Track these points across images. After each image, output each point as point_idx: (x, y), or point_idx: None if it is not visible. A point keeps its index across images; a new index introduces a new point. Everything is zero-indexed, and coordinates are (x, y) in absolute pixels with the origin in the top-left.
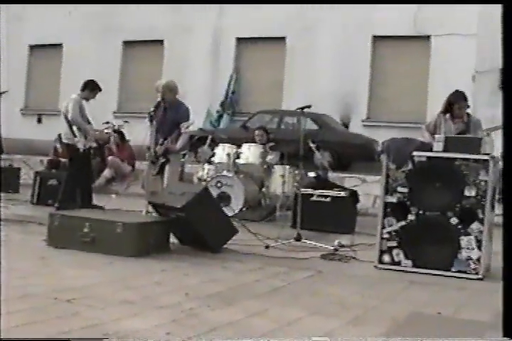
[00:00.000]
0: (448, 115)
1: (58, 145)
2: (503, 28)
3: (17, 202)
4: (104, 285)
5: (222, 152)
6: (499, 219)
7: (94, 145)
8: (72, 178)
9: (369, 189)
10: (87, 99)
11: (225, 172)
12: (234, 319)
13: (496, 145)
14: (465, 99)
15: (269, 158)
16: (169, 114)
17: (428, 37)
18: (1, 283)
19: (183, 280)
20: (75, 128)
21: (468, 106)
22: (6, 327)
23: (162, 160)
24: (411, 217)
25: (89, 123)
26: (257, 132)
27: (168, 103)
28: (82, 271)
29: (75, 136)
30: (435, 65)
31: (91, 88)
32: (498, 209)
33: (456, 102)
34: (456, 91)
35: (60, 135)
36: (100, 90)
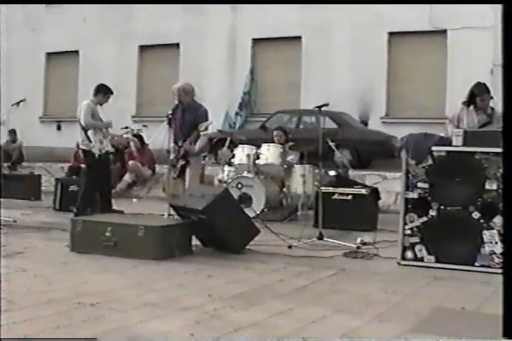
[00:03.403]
0: (471, 107)
1: (79, 151)
2: (503, 27)
3: (39, 209)
4: (128, 289)
5: (241, 153)
6: None
7: (111, 149)
8: (89, 184)
9: (390, 186)
10: (101, 104)
11: (245, 174)
12: (258, 319)
13: None
14: (488, 91)
15: (289, 157)
16: (187, 116)
17: (444, 31)
18: (27, 290)
19: (206, 282)
20: (89, 133)
21: (491, 98)
22: (33, 333)
23: (182, 162)
24: (432, 213)
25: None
26: (275, 132)
27: (186, 105)
28: (105, 275)
29: (90, 141)
30: (452, 60)
31: (103, 92)
32: None
33: (479, 94)
34: (479, 83)
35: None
36: (112, 93)
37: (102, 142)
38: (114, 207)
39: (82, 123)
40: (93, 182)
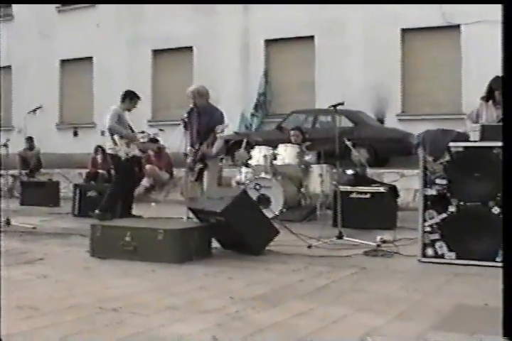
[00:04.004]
0: (490, 102)
1: (97, 157)
2: (503, 28)
3: (58, 215)
4: (149, 293)
5: (258, 154)
6: None
7: (138, 153)
8: (115, 187)
9: (408, 183)
10: (129, 110)
11: (262, 175)
12: (279, 320)
13: None
14: None
15: (306, 157)
16: (203, 119)
17: (457, 26)
18: (48, 296)
19: (226, 284)
20: (115, 137)
21: None
22: (56, 338)
23: (200, 165)
24: (452, 209)
25: (133, 132)
26: (292, 132)
27: (202, 108)
28: (125, 279)
29: (116, 145)
30: (467, 54)
31: (130, 98)
32: None
33: (497, 88)
34: (497, 77)
35: (98, 146)
36: (139, 99)
37: (129, 146)
38: (133, 211)
39: (106, 126)
40: (119, 186)
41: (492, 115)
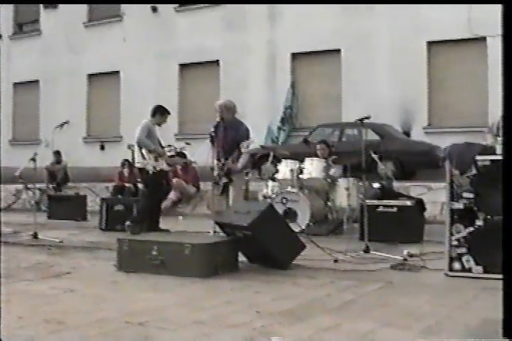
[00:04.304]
0: None
1: (124, 170)
2: (503, 28)
3: (85, 229)
4: (175, 307)
5: (285, 168)
6: None
7: (166, 168)
8: (146, 201)
9: (435, 196)
10: (159, 124)
11: (289, 188)
12: (306, 335)
13: None
14: None
15: (333, 171)
16: (229, 133)
17: (484, 38)
18: (75, 310)
19: (253, 299)
20: (144, 151)
21: None
22: None
23: (224, 180)
24: (479, 223)
25: (162, 147)
26: (318, 146)
27: (228, 122)
28: (152, 293)
29: (144, 159)
30: (493, 67)
31: (160, 113)
32: None
33: None
34: None
35: (125, 160)
36: (169, 113)
37: (157, 160)
38: (160, 225)
39: (136, 139)
40: (150, 200)
41: None
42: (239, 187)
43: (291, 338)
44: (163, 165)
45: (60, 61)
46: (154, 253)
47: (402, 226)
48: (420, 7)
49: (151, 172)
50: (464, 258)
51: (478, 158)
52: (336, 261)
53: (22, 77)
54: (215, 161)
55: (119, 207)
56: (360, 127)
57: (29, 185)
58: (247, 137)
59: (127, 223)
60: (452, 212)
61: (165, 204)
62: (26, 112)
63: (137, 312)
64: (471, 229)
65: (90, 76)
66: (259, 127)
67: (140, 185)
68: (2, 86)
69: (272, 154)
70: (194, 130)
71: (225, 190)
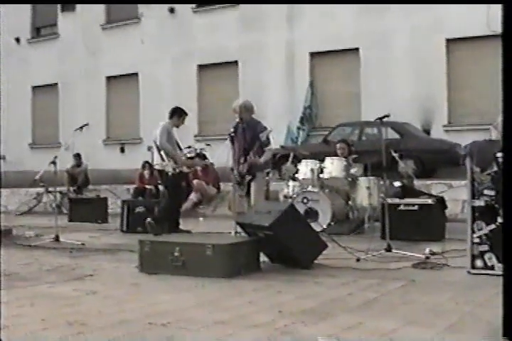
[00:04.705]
0: None
1: (144, 172)
2: (503, 28)
3: (107, 231)
4: (198, 308)
5: (305, 168)
6: None
7: (185, 170)
8: (168, 202)
9: (456, 194)
10: (177, 126)
11: (310, 188)
12: (329, 334)
13: None
14: None
15: (353, 170)
16: (248, 133)
17: None
18: (98, 312)
19: (275, 298)
20: (163, 153)
21: None
22: None
23: (248, 177)
24: (501, 220)
25: (180, 149)
26: (338, 145)
27: (246, 123)
28: (174, 294)
29: (164, 161)
30: None
31: (178, 114)
32: None
33: None
34: None
35: (146, 162)
36: (187, 115)
37: (176, 162)
38: (181, 226)
39: (158, 143)
40: (171, 201)
41: None
42: (260, 186)
43: (314, 337)
44: (182, 166)
45: (79, 64)
46: (176, 254)
47: (424, 224)
48: (438, 5)
49: (170, 174)
50: (486, 256)
51: (499, 155)
52: (358, 260)
53: (41, 81)
54: (236, 162)
55: (140, 209)
56: (379, 126)
57: (50, 189)
58: (265, 128)
59: (148, 219)
60: (473, 209)
61: (186, 205)
62: (45, 116)
63: (160, 314)
64: (493, 226)
65: (109, 78)
66: (279, 127)
67: (161, 187)
68: (21, 90)
69: (292, 154)
70: (214, 131)
71: (248, 190)
